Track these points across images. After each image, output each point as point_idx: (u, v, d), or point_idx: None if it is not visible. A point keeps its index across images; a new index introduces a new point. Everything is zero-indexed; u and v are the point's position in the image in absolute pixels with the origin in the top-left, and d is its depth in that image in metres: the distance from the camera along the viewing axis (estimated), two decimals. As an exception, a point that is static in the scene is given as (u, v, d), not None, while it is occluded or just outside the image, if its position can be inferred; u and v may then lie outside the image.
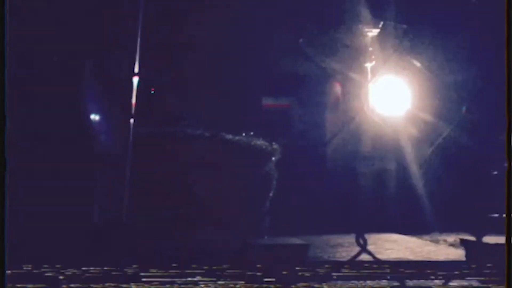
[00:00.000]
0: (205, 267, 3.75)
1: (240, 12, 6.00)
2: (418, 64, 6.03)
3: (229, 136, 5.62)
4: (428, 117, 6.02)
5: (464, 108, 5.95)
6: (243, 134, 5.63)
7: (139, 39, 5.27)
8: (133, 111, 5.42)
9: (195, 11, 5.94)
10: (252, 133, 5.68)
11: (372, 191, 6.15)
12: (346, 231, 5.48)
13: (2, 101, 1.94)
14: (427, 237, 5.63)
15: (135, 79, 5.38)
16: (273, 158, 5.75)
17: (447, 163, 5.98)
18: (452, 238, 5.43)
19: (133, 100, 5.45)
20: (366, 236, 4.99)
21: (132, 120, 5.31)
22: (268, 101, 6.43)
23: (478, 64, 5.69)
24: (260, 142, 5.67)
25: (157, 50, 5.79)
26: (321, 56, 6.20)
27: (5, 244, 1.98)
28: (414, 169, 6.01)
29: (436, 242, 5.31)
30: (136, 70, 5.32)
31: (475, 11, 5.73)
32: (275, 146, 5.76)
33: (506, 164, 2.19)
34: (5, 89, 1.96)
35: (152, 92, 5.77)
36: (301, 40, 5.96)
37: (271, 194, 5.64)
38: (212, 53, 5.98)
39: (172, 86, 5.94)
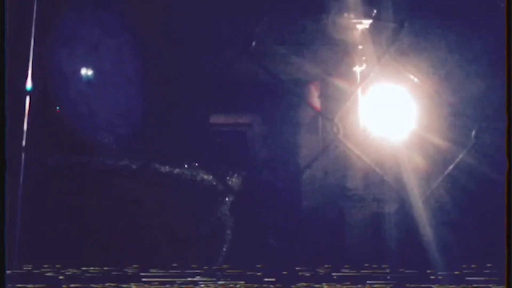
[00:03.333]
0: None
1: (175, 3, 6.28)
2: (425, 67, 6.37)
3: (165, 169, 5.84)
4: (438, 140, 6.34)
5: (473, 132, 6.31)
6: (185, 166, 5.86)
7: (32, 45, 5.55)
8: (24, 137, 5.72)
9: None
10: (196, 164, 5.92)
11: (364, 244, 6.41)
12: None
13: (2, 101, 2.26)
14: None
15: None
16: (227, 199, 5.99)
17: (463, 202, 6.30)
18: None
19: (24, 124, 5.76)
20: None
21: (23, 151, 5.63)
22: (218, 119, 6.47)
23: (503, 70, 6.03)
24: (208, 176, 5.90)
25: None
26: (294, 57, 6.48)
27: (5, 244, 2.28)
28: (422, 213, 6.31)
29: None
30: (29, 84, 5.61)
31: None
32: (229, 181, 6.01)
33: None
34: (5, 89, 2.26)
35: (58, 109, 5.95)
36: (253, 43, 6.30)
37: (224, 249, 5.88)
38: (141, 57, 6.23)
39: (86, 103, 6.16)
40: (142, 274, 5.09)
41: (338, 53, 6.36)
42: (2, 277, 2.52)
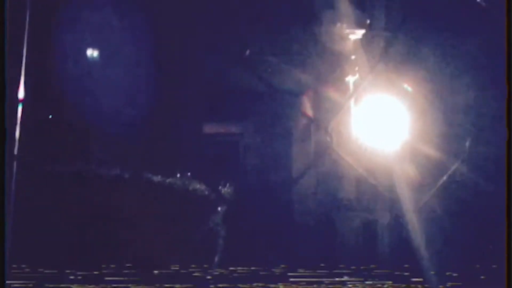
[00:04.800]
0: None
1: (167, 11, 6.35)
2: (418, 78, 6.45)
3: (158, 178, 5.90)
4: (432, 151, 6.41)
5: (467, 143, 6.38)
6: (177, 175, 5.92)
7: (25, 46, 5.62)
8: (16, 146, 5.79)
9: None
10: (189, 173, 5.97)
11: (357, 253, 6.47)
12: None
13: (2, 101, 2.31)
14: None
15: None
16: (219, 209, 6.04)
17: (456, 213, 6.37)
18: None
19: (17, 132, 5.83)
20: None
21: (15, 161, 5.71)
22: (211, 129, 6.54)
23: (498, 81, 6.11)
24: (200, 185, 5.95)
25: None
26: (286, 66, 6.53)
27: (5, 244, 2.35)
28: (415, 224, 6.37)
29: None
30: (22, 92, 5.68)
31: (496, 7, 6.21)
32: (221, 191, 6.06)
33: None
34: (6, 89, 2.32)
35: (50, 117, 6.00)
36: (247, 51, 6.37)
37: (216, 259, 5.93)
38: (130, 65, 6.27)
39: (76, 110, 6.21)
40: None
41: (331, 63, 6.43)
42: (2, 277, 2.56)
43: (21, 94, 5.82)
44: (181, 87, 6.23)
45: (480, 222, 6.19)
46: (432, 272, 6.04)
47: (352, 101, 6.43)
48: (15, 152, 5.73)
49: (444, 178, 6.36)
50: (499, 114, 6.15)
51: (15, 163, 5.64)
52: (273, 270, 5.59)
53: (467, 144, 6.39)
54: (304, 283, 5.28)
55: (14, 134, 5.74)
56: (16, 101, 5.78)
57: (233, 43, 6.32)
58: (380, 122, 6.43)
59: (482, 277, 5.90)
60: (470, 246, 6.20)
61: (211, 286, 5.70)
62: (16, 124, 5.77)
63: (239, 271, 5.80)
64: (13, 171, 5.69)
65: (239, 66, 6.33)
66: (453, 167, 6.38)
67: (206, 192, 5.84)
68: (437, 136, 6.36)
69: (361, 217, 6.44)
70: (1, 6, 2.38)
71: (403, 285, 5.09)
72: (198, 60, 6.28)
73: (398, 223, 6.31)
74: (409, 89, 6.38)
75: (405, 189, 6.34)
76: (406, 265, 6.08)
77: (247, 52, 6.33)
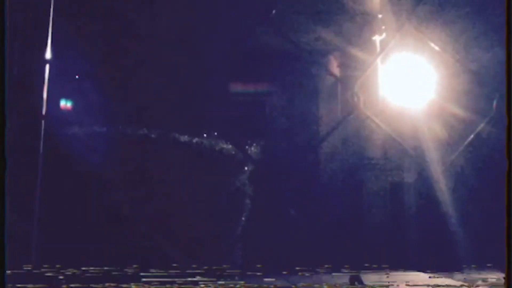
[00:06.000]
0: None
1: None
2: (445, 38, 6.44)
3: (185, 138, 5.93)
4: (458, 110, 6.43)
5: (495, 101, 6.38)
6: (204, 135, 5.95)
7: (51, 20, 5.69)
8: (44, 107, 5.87)
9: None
10: (216, 133, 6.01)
11: (384, 212, 6.51)
12: (347, 267, 5.87)
13: (2, 101, 2.38)
14: (460, 276, 6.01)
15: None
16: (246, 168, 6.10)
17: (484, 172, 6.39)
18: (494, 276, 5.83)
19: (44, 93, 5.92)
20: (376, 274, 5.38)
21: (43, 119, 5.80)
22: (237, 88, 6.52)
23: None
24: (227, 145, 5.99)
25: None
26: (312, 25, 6.54)
27: (5, 244, 2.44)
28: (442, 183, 6.40)
29: (473, 283, 5.69)
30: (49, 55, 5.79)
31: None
32: (248, 150, 6.11)
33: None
34: (5, 89, 2.39)
35: (77, 77, 6.05)
36: (273, 11, 6.34)
37: (243, 218, 5.99)
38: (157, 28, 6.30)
39: (105, 72, 6.25)
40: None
41: (358, 22, 6.43)
42: (2, 277, 2.61)
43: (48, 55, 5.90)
44: (207, 48, 6.25)
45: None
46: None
47: (378, 61, 6.45)
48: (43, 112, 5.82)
49: (472, 136, 6.39)
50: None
51: (43, 122, 5.73)
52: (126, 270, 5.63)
53: (494, 103, 6.39)
54: (157, 283, 5.23)
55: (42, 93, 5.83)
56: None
57: (260, 2, 6.33)
58: (407, 81, 6.45)
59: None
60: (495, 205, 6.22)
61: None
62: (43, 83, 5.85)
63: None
64: (41, 130, 5.78)
65: (265, 25, 6.33)
66: (480, 126, 6.40)
67: (233, 152, 5.88)
68: (465, 95, 6.36)
69: (388, 176, 6.47)
70: (1, 6, 2.40)
71: (255, 285, 5.09)
72: (224, 21, 6.29)
73: (425, 182, 6.35)
74: (436, 48, 6.39)
75: (432, 148, 6.37)
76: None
77: (273, 12, 6.34)
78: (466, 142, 6.39)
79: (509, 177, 2.87)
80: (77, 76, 5.93)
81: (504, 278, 2.99)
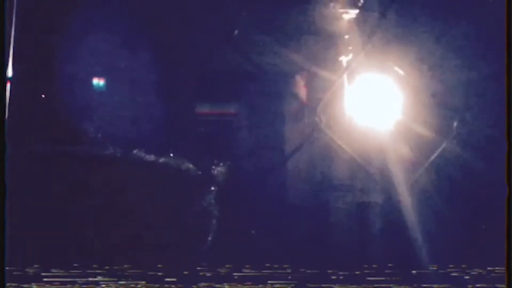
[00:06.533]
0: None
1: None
2: (411, 58, 6.51)
3: (151, 157, 5.94)
4: (424, 130, 6.49)
5: (455, 122, 6.51)
6: (170, 155, 5.97)
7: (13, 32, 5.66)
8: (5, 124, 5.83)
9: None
10: (182, 153, 6.03)
11: (350, 234, 6.55)
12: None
13: (2, 100, 2.37)
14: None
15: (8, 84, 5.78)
16: (213, 188, 6.12)
17: (448, 190, 6.47)
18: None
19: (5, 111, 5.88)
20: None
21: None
22: (204, 109, 6.47)
23: (491, 60, 6.22)
24: (194, 165, 6.02)
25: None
26: (279, 46, 6.60)
27: (5, 244, 2.41)
28: (408, 203, 6.46)
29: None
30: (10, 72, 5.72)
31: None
32: (215, 170, 6.13)
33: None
34: (5, 89, 2.38)
35: (43, 97, 6.04)
36: (236, 31, 6.39)
37: (210, 239, 6.01)
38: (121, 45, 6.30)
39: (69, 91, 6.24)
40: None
41: (324, 43, 6.49)
42: (2, 277, 2.60)
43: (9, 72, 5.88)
44: (172, 68, 6.28)
45: (470, 200, 6.30)
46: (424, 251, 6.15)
47: (344, 81, 6.50)
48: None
49: (434, 155, 6.47)
50: (487, 94, 6.32)
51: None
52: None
53: (455, 124, 6.49)
54: (58, 283, 5.33)
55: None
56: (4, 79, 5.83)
57: (223, 22, 6.37)
58: (376, 101, 6.50)
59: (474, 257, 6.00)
60: (462, 225, 6.30)
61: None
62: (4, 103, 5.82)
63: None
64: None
65: (229, 46, 6.37)
66: (442, 146, 6.49)
67: (199, 172, 5.90)
68: (428, 116, 6.45)
69: (353, 197, 6.51)
70: (1, 6, 2.41)
71: (156, 285, 5.20)
72: (189, 41, 6.33)
73: (390, 203, 6.40)
74: (400, 71, 6.46)
75: (398, 169, 6.43)
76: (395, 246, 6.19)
77: (236, 32, 6.38)
78: (429, 161, 6.48)
79: (509, 177, 2.99)
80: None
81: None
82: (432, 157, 6.48)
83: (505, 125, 2.86)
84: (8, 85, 5.77)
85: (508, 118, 2.82)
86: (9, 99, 5.79)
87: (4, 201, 2.38)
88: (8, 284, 4.97)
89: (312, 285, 5.80)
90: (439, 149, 6.48)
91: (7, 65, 2.43)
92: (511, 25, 2.80)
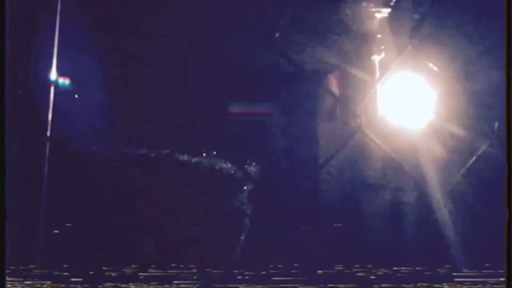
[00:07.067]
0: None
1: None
2: (444, 58, 6.50)
3: (184, 157, 6.01)
4: (458, 130, 6.46)
5: (496, 123, 6.41)
6: (203, 154, 6.03)
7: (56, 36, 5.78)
8: (49, 127, 5.96)
9: None
10: (215, 152, 6.08)
11: (383, 232, 6.56)
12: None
13: (2, 100, 2.45)
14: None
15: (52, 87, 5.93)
16: (246, 187, 6.17)
17: (484, 192, 6.41)
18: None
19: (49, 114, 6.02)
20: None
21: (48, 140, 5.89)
22: (237, 108, 6.53)
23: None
24: (227, 164, 6.05)
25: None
26: (312, 46, 6.65)
27: (5, 244, 2.50)
28: (442, 203, 6.44)
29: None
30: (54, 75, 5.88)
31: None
32: (248, 170, 6.17)
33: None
34: (5, 89, 2.46)
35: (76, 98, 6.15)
36: (277, 34, 6.44)
37: (242, 238, 6.05)
38: (158, 43, 6.39)
39: (105, 93, 6.34)
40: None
41: (357, 42, 6.50)
42: (2, 277, 2.65)
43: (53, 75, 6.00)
44: (210, 68, 6.33)
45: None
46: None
47: (380, 81, 6.50)
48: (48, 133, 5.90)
49: (473, 159, 6.42)
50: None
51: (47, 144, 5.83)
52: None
53: (496, 125, 6.43)
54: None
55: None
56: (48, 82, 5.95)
57: (261, 24, 6.40)
58: (408, 102, 6.50)
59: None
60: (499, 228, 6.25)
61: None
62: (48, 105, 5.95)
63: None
64: (46, 152, 5.87)
65: (267, 46, 6.41)
66: (482, 148, 6.43)
67: (232, 172, 5.94)
68: (466, 117, 6.40)
69: (388, 197, 6.51)
70: (1, 6, 2.46)
71: (62, 285, 5.21)
72: (227, 41, 6.37)
73: (426, 203, 6.38)
74: (435, 68, 6.44)
75: (432, 169, 6.41)
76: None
77: (277, 34, 6.42)
78: (467, 165, 6.43)
79: (509, 177, 2.96)
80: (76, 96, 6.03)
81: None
82: (471, 161, 6.44)
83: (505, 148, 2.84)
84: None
85: (508, 118, 2.80)
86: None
87: (4, 201, 2.43)
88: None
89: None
90: (478, 152, 6.44)
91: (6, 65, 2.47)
92: (511, 25, 2.80)
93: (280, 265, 5.83)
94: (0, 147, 2.49)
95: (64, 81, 6.05)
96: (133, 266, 5.57)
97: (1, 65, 2.53)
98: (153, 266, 5.64)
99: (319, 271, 5.80)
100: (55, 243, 5.76)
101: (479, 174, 6.42)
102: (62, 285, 5.28)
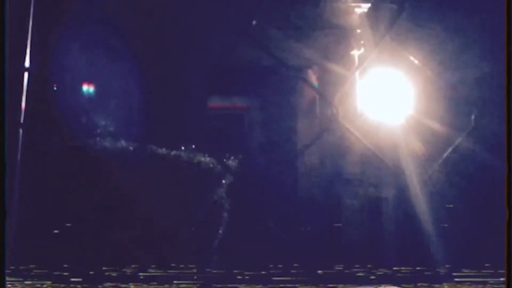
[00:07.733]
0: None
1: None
2: (422, 52, 6.53)
3: (162, 151, 6.00)
4: (436, 124, 6.49)
5: (473, 116, 6.45)
6: (182, 148, 6.03)
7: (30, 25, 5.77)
8: (22, 117, 5.92)
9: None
10: (193, 146, 6.08)
11: (361, 228, 6.59)
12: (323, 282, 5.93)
13: (2, 101, 2.44)
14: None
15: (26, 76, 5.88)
16: (224, 181, 6.20)
17: (462, 187, 6.45)
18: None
19: (23, 103, 5.97)
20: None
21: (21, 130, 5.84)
22: (215, 102, 6.54)
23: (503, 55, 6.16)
24: (205, 158, 6.06)
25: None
26: (291, 41, 6.65)
27: (5, 244, 2.50)
28: (420, 197, 6.46)
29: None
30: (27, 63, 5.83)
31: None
32: (226, 164, 6.18)
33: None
34: (5, 89, 2.45)
35: (55, 88, 6.13)
36: (254, 22, 6.46)
37: (220, 232, 6.06)
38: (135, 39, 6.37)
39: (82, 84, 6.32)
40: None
41: (336, 37, 6.51)
42: (2, 277, 2.67)
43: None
44: (188, 63, 6.32)
45: (484, 196, 6.27)
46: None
47: (357, 75, 6.52)
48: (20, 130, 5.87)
49: (449, 151, 6.46)
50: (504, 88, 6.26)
51: (20, 135, 5.79)
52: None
53: (473, 118, 6.47)
54: None
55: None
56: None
57: (239, 17, 6.40)
58: (386, 95, 6.52)
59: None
60: (473, 221, 6.29)
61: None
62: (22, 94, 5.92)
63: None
64: (19, 144, 5.84)
65: (245, 40, 6.40)
66: (458, 141, 6.46)
67: (211, 165, 5.95)
68: (443, 110, 6.43)
69: (365, 191, 6.53)
70: (1, 6, 2.45)
71: (62, 285, 5.21)
72: (203, 35, 6.37)
73: (403, 197, 6.40)
74: (415, 61, 6.46)
75: (410, 162, 6.43)
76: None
77: (253, 22, 6.40)
78: (443, 156, 6.47)
79: (509, 177, 2.96)
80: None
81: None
82: (447, 152, 6.48)
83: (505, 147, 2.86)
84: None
85: (508, 118, 2.81)
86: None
87: (4, 200, 2.43)
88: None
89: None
90: (454, 144, 6.47)
91: (6, 65, 2.47)
92: (511, 25, 2.81)
93: (270, 265, 5.85)
94: (0, 147, 2.48)
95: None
96: (133, 266, 5.56)
97: (1, 65, 2.52)
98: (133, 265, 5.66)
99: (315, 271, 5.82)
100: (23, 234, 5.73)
101: (455, 165, 6.47)
102: (62, 285, 5.24)
